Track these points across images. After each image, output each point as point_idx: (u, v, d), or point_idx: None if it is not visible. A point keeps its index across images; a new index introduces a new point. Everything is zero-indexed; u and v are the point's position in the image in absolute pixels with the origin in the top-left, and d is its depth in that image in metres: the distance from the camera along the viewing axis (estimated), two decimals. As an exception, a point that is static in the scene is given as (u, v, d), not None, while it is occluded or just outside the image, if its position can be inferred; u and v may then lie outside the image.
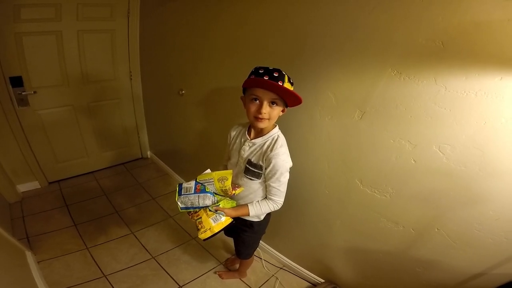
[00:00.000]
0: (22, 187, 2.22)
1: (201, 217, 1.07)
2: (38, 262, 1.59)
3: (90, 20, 2.08)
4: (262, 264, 1.76)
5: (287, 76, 0.96)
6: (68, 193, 2.30)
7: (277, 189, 1.08)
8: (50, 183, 2.39)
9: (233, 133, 1.21)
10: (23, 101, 1.99)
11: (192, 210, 1.08)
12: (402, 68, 0.96)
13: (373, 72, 1.03)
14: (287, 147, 1.08)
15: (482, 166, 0.88)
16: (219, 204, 1.07)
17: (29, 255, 1.55)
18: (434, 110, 0.92)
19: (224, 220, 1.08)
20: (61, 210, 2.08)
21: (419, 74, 0.93)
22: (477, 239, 0.97)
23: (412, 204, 1.07)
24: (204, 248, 1.85)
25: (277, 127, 1.10)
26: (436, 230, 1.05)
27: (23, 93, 1.96)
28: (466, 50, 0.83)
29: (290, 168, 1.09)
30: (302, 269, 1.69)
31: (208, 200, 1.05)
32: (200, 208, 1.07)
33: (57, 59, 2.05)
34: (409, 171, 1.03)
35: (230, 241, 1.45)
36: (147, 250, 1.79)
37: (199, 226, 1.06)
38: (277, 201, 1.12)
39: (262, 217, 1.26)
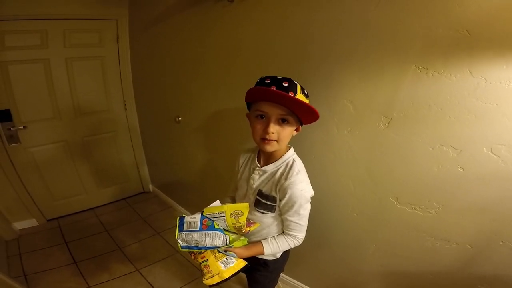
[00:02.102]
0: (19, 225, 2.13)
1: (207, 260, 0.88)
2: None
3: (78, 47, 2.03)
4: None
5: (300, 86, 0.81)
6: (67, 230, 2.21)
7: (297, 223, 0.91)
8: (48, 220, 2.29)
9: (241, 160, 1.05)
10: (13, 138, 1.90)
11: (196, 250, 0.89)
12: (427, 63, 0.84)
13: (393, 71, 0.91)
14: (306, 172, 0.92)
15: (550, 165, 0.73)
16: (232, 245, 0.89)
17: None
18: (477, 106, 0.79)
19: (236, 264, 0.90)
20: (61, 247, 1.99)
21: (449, 68, 0.81)
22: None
23: (465, 218, 0.91)
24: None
25: (291, 149, 0.94)
26: (501, 243, 0.88)
27: (12, 128, 1.88)
28: (497, 36, 0.72)
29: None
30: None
31: (218, 239, 0.86)
32: (206, 249, 0.88)
33: (47, 90, 1.97)
34: (457, 181, 0.87)
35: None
36: (155, 289, 1.65)
37: (205, 271, 0.88)
38: (298, 236, 0.94)
39: (278, 255, 1.07)
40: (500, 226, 0.86)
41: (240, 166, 1.05)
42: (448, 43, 0.79)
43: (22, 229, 2.14)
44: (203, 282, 0.87)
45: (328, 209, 1.24)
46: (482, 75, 0.76)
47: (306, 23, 1.07)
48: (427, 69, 0.84)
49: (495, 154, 0.79)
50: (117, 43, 2.19)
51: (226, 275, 0.87)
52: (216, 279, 0.86)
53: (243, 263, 0.91)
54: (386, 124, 0.96)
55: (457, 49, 0.78)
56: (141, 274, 1.76)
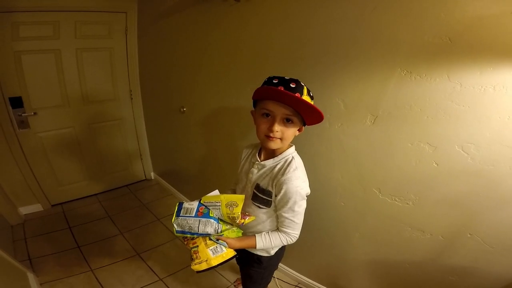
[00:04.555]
0: (24, 210, 2.19)
1: (197, 246, 0.90)
2: (41, 284, 1.54)
3: (88, 38, 2.09)
4: (276, 283, 1.66)
5: (307, 88, 0.82)
6: (71, 215, 2.28)
7: (291, 220, 0.91)
8: (53, 205, 2.37)
9: (243, 154, 1.08)
10: (23, 123, 1.98)
11: (189, 235, 0.92)
12: (411, 67, 0.92)
13: (381, 73, 0.99)
14: (304, 171, 0.95)
15: (513, 164, 0.82)
16: (223, 234, 0.91)
17: (31, 277, 1.50)
18: (451, 108, 0.87)
19: (225, 253, 0.91)
20: (64, 232, 2.06)
21: (430, 72, 0.89)
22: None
23: (438, 210, 1.00)
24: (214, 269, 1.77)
25: (293, 147, 0.95)
26: (469, 235, 0.97)
27: (23, 114, 1.95)
28: (475, 45, 0.79)
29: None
30: (319, 285, 1.59)
31: (210, 227, 0.88)
32: (198, 235, 0.90)
33: (57, 79, 2.05)
34: (432, 175, 0.97)
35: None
36: (154, 272, 1.72)
37: (194, 256, 0.90)
38: (291, 234, 0.94)
39: (272, 252, 1.07)
40: (468, 220, 0.95)
41: (242, 160, 1.08)
42: (432, 49, 0.86)
43: (28, 214, 2.20)
44: (191, 267, 0.89)
45: (318, 197, 1.29)
46: (458, 80, 0.84)
47: (305, 25, 1.14)
48: (410, 72, 0.92)
49: (465, 152, 0.88)
50: (126, 35, 2.25)
51: (214, 263, 0.88)
52: (203, 266, 0.88)
53: (232, 253, 0.93)
54: (372, 121, 1.05)
55: (438, 55, 0.86)
56: (142, 258, 1.82)
